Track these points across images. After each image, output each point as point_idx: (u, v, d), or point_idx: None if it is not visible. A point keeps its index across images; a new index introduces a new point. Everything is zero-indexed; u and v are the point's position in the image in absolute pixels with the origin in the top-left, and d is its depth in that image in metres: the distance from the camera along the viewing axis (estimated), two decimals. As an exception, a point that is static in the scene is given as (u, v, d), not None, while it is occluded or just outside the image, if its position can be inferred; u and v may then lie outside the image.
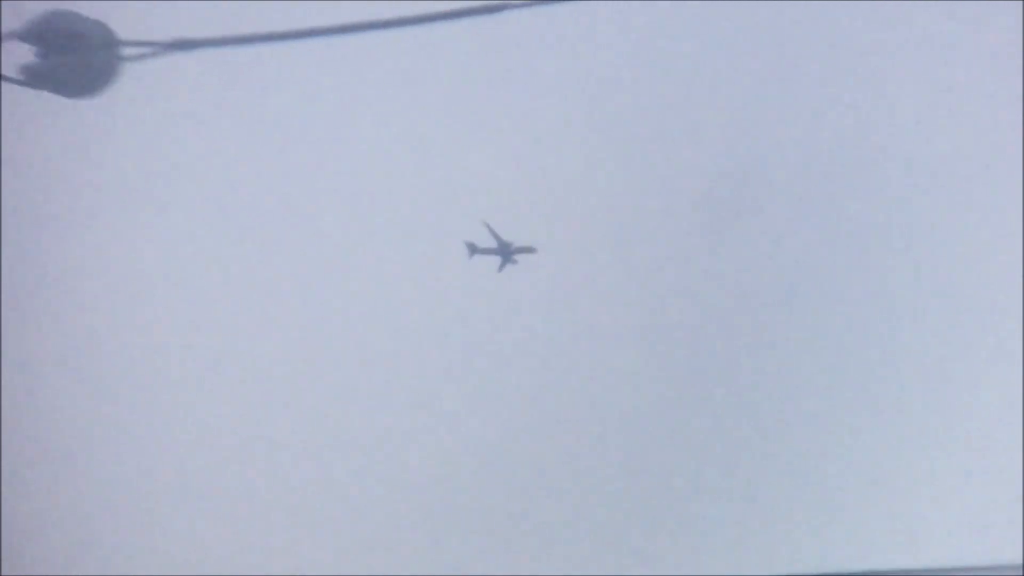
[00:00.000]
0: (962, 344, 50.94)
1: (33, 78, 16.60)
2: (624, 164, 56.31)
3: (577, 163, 56.57)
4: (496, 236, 59.15)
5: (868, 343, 52.17)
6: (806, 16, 54.14)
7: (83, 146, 53.01)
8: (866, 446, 48.75)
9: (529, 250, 59.52)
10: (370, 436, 52.26)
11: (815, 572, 43.84)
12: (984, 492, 47.92)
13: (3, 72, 15.91)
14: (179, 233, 55.02)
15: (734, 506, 49.51)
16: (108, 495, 47.73)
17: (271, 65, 56.14)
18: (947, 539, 47.26)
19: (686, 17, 55.13)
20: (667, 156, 55.70)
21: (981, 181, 52.12)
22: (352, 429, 52.40)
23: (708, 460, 50.97)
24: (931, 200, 53.10)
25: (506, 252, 59.57)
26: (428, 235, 57.40)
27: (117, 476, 48.14)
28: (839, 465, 49.51)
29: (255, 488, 46.78)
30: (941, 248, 52.53)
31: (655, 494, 46.99)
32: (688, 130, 56.17)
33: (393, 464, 51.07)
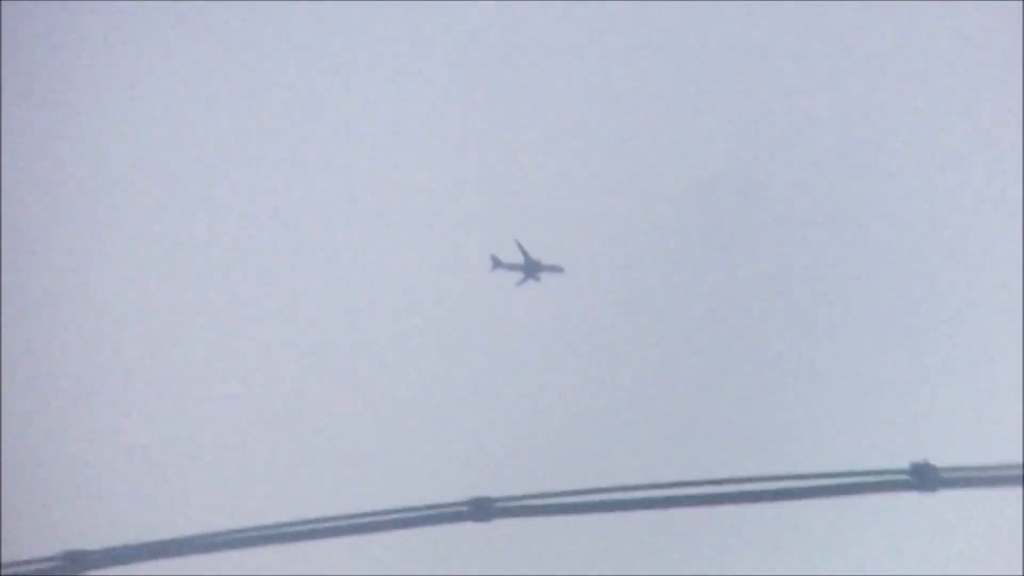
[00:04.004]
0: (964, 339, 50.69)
1: None
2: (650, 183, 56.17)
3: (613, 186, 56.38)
4: (524, 253, 59.21)
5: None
6: (806, 16, 54.11)
7: (82, 141, 52.92)
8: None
9: (557, 269, 59.47)
10: (369, 433, 52.30)
11: (816, 572, 44.00)
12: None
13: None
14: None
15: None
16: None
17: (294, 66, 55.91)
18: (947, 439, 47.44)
19: (697, 20, 55.10)
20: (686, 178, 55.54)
21: (981, 180, 52.01)
22: (348, 424, 52.44)
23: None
24: (930, 200, 53.05)
25: (531, 269, 59.57)
26: (457, 245, 57.44)
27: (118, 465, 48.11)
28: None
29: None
30: (941, 248, 52.42)
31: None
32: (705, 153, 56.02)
33: (399, 467, 51.19)
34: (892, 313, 53.06)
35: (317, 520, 10.93)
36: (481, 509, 11.46)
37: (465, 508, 11.48)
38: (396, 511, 10.91)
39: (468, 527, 11.46)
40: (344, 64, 54.31)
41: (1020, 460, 10.48)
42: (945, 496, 10.32)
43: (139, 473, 48.06)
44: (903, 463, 10.37)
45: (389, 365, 53.44)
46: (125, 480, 47.74)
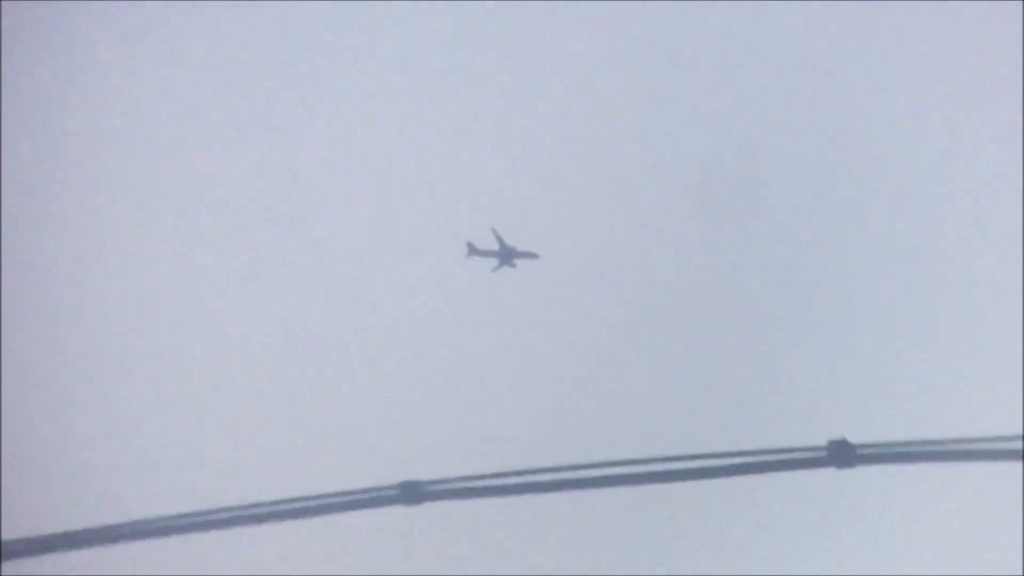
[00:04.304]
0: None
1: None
2: (634, 168, 56.49)
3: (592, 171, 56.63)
4: (500, 240, 59.44)
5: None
6: (806, 16, 54.48)
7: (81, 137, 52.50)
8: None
9: (531, 255, 59.72)
10: (353, 424, 52.33)
11: (816, 572, 44.62)
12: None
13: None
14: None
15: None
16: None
17: (284, 56, 55.69)
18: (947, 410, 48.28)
19: (693, 18, 55.42)
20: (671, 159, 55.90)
21: (981, 180, 52.65)
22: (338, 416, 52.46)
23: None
24: (930, 199, 53.64)
25: (506, 256, 59.79)
26: (433, 233, 57.48)
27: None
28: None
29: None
30: (943, 248, 53.06)
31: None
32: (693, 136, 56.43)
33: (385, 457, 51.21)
34: (826, 292, 53.75)
35: (246, 507, 10.97)
36: (411, 492, 11.50)
37: (395, 492, 11.50)
38: (325, 496, 10.96)
39: (399, 511, 11.52)
40: (324, 51, 54.20)
41: (938, 435, 10.75)
42: (863, 472, 10.56)
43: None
44: (820, 441, 10.60)
45: (362, 349, 53.46)
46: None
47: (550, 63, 55.44)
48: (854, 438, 10.64)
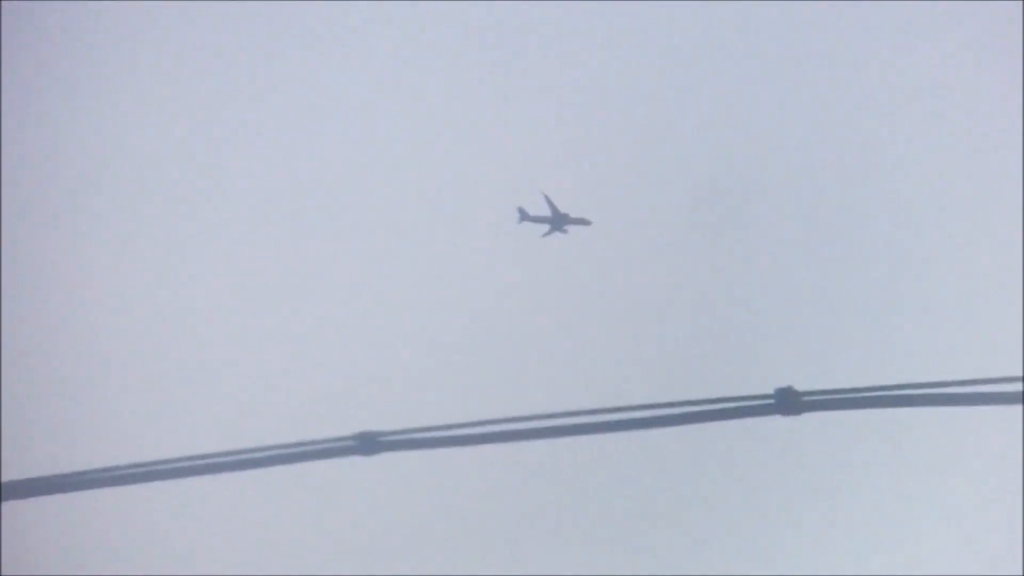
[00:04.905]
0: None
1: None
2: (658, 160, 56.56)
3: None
4: (552, 205, 59.66)
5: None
6: (806, 16, 54.46)
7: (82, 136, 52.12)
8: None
9: (584, 222, 59.89)
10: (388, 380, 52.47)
11: (817, 572, 45.17)
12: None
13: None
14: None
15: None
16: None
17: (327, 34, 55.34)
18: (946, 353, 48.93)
19: (705, 19, 55.37)
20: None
21: (981, 180, 52.93)
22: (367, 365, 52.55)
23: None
24: (929, 199, 53.92)
25: (559, 222, 60.01)
26: (486, 199, 57.73)
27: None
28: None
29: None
30: (943, 248, 53.38)
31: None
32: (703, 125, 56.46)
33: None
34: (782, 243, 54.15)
35: (201, 457, 11.07)
36: (366, 443, 11.60)
37: (351, 443, 11.60)
38: (279, 447, 11.07)
39: (355, 461, 11.62)
40: (384, 23, 54.18)
41: (880, 383, 10.98)
42: (809, 418, 10.81)
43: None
44: (768, 389, 10.83)
45: (400, 302, 53.69)
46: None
47: (605, 37, 55.75)
48: (800, 386, 10.87)
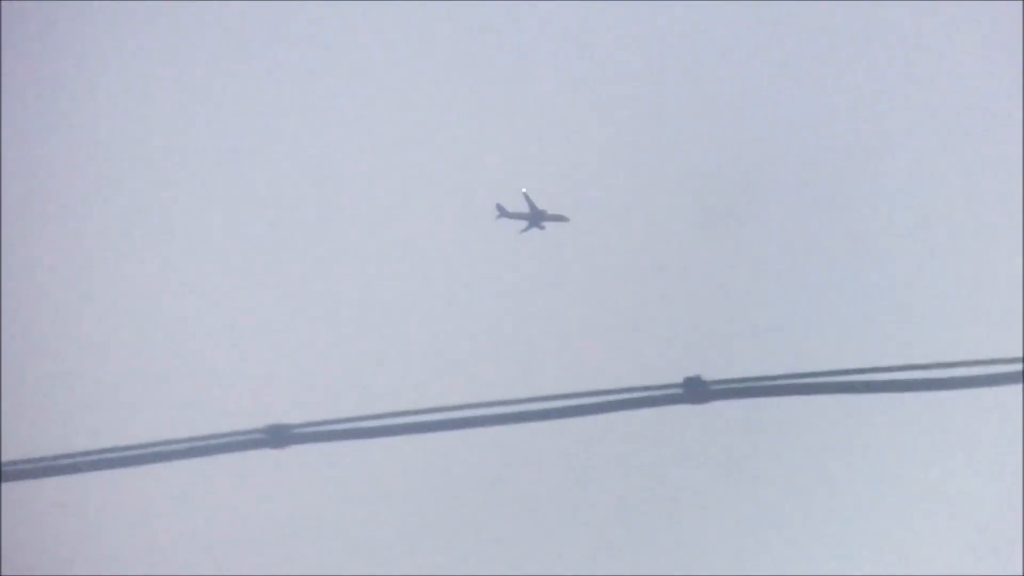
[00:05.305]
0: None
1: None
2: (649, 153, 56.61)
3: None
4: (530, 203, 60.15)
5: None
6: (806, 16, 54.69)
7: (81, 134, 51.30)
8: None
9: (561, 219, 60.43)
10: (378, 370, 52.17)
11: (817, 572, 45.41)
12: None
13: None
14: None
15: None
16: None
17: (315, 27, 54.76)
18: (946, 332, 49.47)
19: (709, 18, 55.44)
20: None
21: (981, 179, 53.47)
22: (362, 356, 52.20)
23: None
24: (929, 199, 54.39)
25: (536, 219, 60.46)
26: (464, 195, 57.72)
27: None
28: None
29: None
30: (944, 247, 53.85)
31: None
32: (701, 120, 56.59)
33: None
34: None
35: (116, 449, 10.96)
36: (277, 435, 11.52)
37: (261, 435, 11.51)
38: (190, 439, 10.98)
39: (265, 454, 11.55)
40: (376, 23, 53.86)
41: (787, 371, 11.12)
42: (714, 407, 10.91)
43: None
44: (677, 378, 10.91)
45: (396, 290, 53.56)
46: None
47: (596, 35, 55.74)
48: (708, 375, 10.97)
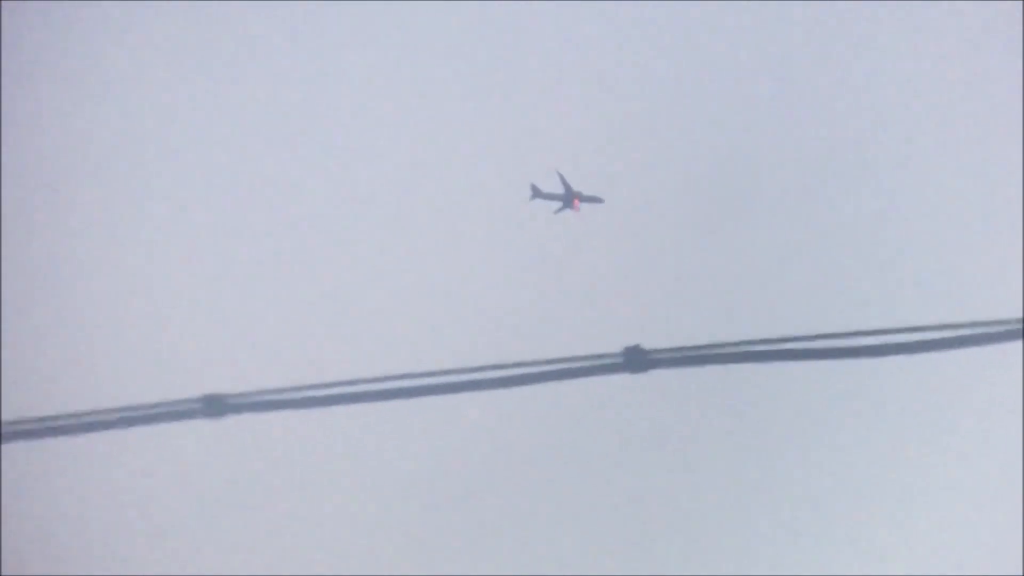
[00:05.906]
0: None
1: None
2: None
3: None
4: (565, 183, 59.97)
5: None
6: (806, 16, 54.63)
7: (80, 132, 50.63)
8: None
9: (596, 200, 60.39)
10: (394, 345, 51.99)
11: (817, 572, 45.53)
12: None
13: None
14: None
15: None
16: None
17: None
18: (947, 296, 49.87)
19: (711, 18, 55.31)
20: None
21: (981, 179, 53.73)
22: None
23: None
24: (928, 199, 54.57)
25: (569, 199, 60.33)
26: (499, 174, 57.50)
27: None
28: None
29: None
30: (945, 246, 54.08)
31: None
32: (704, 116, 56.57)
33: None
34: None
35: (34, 420, 10.81)
36: (213, 405, 11.41)
37: (197, 405, 11.39)
38: (121, 410, 10.84)
39: (202, 424, 11.43)
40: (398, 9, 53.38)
41: (725, 339, 11.14)
42: (655, 375, 10.90)
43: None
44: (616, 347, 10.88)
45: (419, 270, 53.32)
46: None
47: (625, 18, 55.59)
48: (648, 344, 10.95)
